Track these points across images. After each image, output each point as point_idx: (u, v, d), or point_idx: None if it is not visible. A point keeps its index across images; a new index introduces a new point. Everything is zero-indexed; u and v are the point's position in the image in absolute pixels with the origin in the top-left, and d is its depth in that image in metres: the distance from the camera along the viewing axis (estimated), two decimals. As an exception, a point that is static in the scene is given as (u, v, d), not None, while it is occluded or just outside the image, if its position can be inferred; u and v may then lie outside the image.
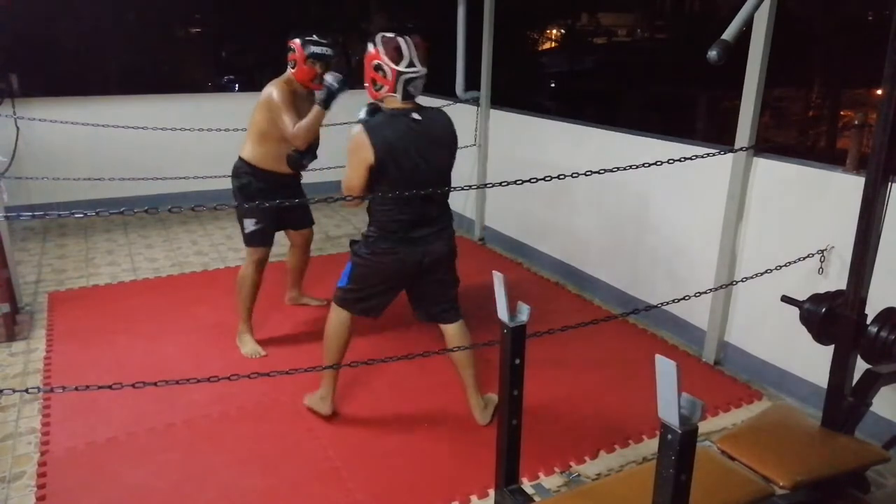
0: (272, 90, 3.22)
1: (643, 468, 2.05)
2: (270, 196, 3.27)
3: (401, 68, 2.34)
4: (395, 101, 2.44)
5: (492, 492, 2.32)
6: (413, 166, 2.43)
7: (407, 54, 2.35)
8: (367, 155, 2.37)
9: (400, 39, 2.38)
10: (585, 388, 3.14)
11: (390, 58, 2.34)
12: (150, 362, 3.33)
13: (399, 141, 2.39)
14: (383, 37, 2.42)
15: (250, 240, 3.39)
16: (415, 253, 2.54)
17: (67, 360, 3.37)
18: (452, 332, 2.75)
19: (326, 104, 3.12)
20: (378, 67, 2.38)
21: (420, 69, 2.38)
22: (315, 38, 3.28)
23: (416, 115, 2.43)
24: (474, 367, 2.78)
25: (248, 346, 3.45)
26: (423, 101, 6.35)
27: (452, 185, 2.62)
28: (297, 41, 3.24)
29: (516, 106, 5.20)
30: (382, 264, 2.57)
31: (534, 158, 4.73)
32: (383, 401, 3.02)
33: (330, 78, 3.11)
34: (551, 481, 2.49)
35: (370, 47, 2.44)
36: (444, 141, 2.57)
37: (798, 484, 1.85)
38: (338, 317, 2.73)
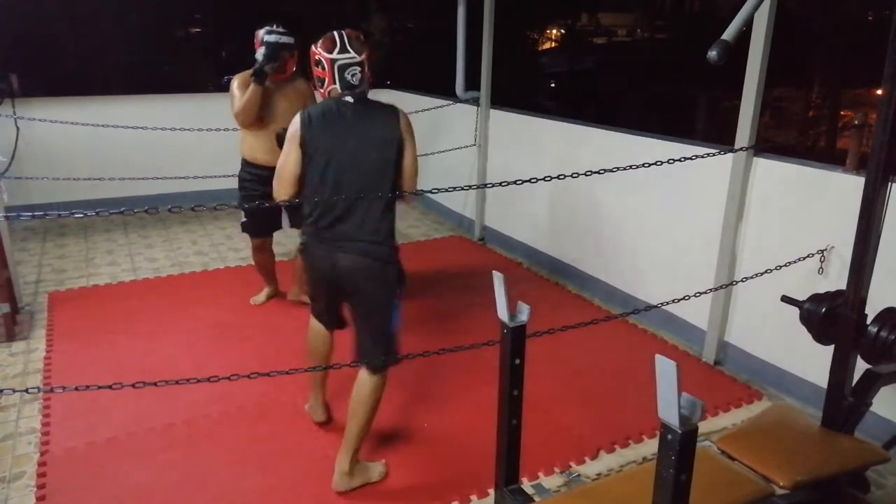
0: (233, 79, 3.48)
1: (643, 468, 2.05)
2: (259, 187, 3.54)
3: (334, 56, 2.32)
4: (336, 93, 2.38)
5: (492, 492, 2.32)
6: (330, 146, 2.31)
7: (339, 43, 2.33)
8: (296, 130, 2.34)
9: (334, 33, 2.38)
10: (585, 388, 3.14)
11: (325, 49, 2.33)
12: (150, 362, 3.33)
13: (323, 117, 2.33)
14: (322, 37, 2.44)
15: (243, 229, 3.78)
16: (324, 255, 2.35)
17: (67, 360, 3.37)
18: (359, 378, 2.42)
19: (255, 78, 3.35)
20: (318, 62, 2.37)
21: (353, 55, 2.31)
22: (273, 27, 3.36)
23: (349, 99, 2.34)
24: (360, 428, 2.40)
25: (258, 296, 4.07)
26: (423, 101, 6.29)
27: (453, 185, 2.55)
28: (259, 31, 3.37)
29: (516, 106, 5.21)
30: (306, 259, 2.46)
31: (534, 158, 4.73)
32: (383, 401, 3.00)
33: (258, 53, 3.34)
34: (551, 481, 2.49)
35: (312, 49, 2.44)
36: (376, 135, 2.33)
37: (798, 484, 1.85)
38: (309, 323, 2.68)
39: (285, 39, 3.39)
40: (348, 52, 2.31)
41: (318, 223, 2.34)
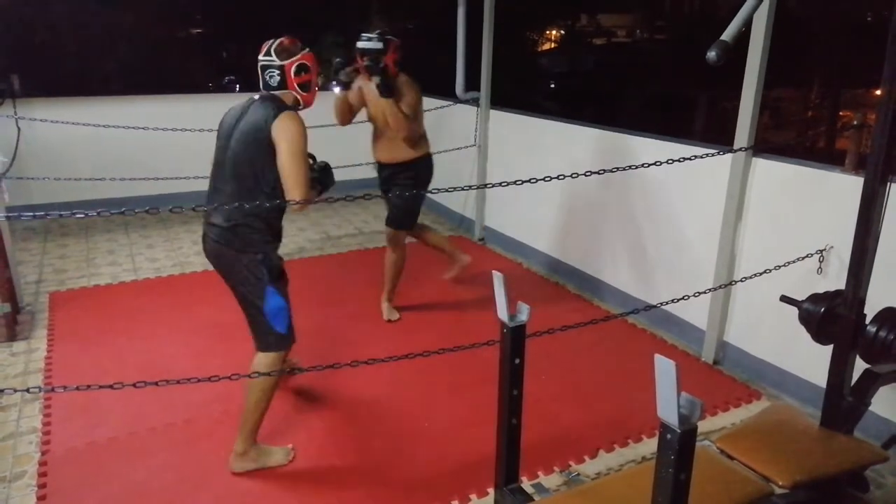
0: None
1: (642, 468, 2.06)
2: (381, 185, 3.84)
3: (259, 58, 2.49)
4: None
5: (492, 491, 2.32)
6: (220, 139, 2.51)
7: (266, 47, 2.48)
8: None
9: (270, 40, 2.51)
10: (585, 388, 3.14)
11: (259, 52, 2.51)
12: (151, 362, 3.34)
13: (228, 114, 2.54)
14: None
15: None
16: (203, 236, 2.56)
17: (68, 360, 3.37)
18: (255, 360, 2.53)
19: (338, 85, 3.62)
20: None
21: (273, 59, 2.44)
22: (371, 33, 3.43)
23: (255, 97, 2.49)
24: (248, 409, 2.48)
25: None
26: (423, 101, 6.39)
27: (453, 185, 2.57)
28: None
29: (516, 107, 5.21)
30: None
31: (534, 158, 4.74)
32: (383, 401, 3.02)
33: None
34: (551, 480, 2.50)
35: None
36: (250, 131, 2.38)
37: (797, 483, 1.85)
38: None
39: (368, 45, 3.40)
40: (270, 56, 2.46)
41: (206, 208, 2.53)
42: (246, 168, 2.38)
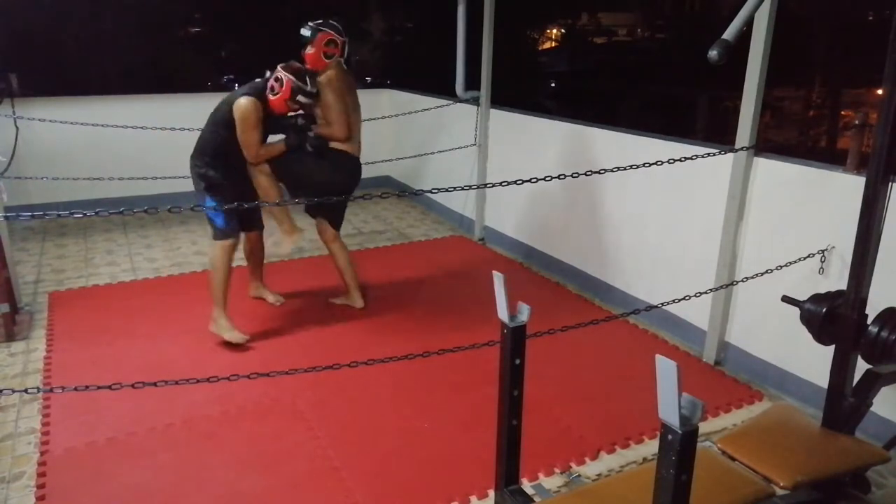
0: None
1: (643, 468, 2.05)
2: None
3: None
4: None
5: (492, 492, 2.32)
6: None
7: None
8: None
9: None
10: (585, 388, 3.14)
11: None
12: (150, 362, 3.33)
13: None
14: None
15: None
16: None
17: (67, 360, 3.36)
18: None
19: None
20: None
21: None
22: None
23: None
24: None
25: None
26: (424, 101, 6.34)
27: (453, 185, 2.60)
28: None
29: (515, 106, 5.20)
30: None
31: (534, 158, 4.73)
32: (383, 401, 3.01)
33: None
34: (551, 481, 2.49)
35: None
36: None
37: (798, 484, 1.84)
38: None
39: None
40: None
41: None
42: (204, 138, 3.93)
